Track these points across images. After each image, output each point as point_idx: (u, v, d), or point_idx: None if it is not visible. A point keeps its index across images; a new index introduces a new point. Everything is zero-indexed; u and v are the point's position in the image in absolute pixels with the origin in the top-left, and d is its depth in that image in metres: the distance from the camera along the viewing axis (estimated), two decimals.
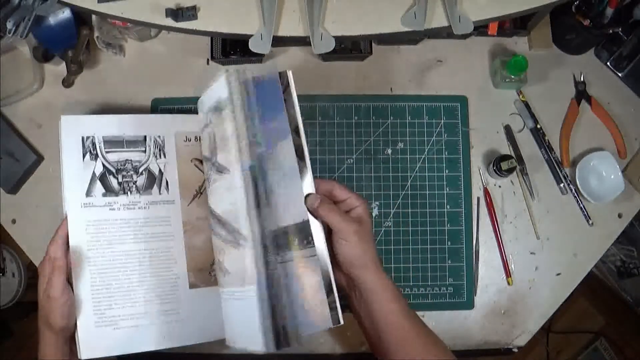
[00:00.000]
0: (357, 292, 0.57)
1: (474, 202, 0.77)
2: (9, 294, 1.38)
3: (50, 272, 0.57)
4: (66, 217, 0.61)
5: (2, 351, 1.48)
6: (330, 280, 0.54)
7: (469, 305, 0.76)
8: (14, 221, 0.78)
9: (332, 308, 0.54)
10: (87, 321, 0.59)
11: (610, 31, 0.77)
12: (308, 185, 0.56)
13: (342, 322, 0.54)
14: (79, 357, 0.58)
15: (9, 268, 1.38)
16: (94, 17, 0.75)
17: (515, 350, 0.75)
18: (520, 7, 0.66)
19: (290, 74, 0.58)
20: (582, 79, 0.80)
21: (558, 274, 0.76)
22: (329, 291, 0.54)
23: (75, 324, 0.59)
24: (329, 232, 0.56)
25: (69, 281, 0.59)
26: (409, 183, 0.77)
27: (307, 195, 0.56)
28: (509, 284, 0.76)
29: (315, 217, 0.56)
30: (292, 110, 0.58)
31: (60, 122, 0.63)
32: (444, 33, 0.71)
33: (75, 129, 0.64)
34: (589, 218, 0.77)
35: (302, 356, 0.73)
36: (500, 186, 0.78)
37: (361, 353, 0.74)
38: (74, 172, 0.63)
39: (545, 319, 0.76)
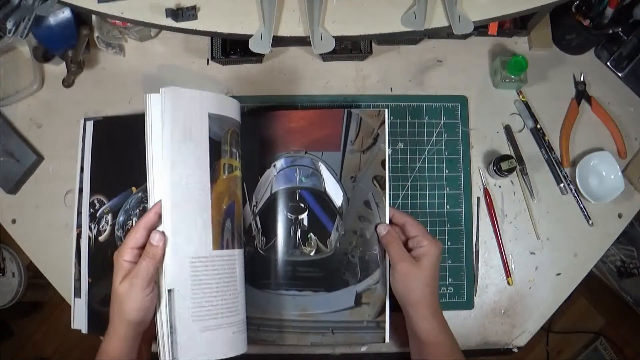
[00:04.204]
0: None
1: (474, 202, 0.77)
2: (9, 294, 1.38)
3: (136, 258, 0.53)
4: (157, 203, 0.55)
5: (2, 351, 1.48)
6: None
7: (469, 305, 0.76)
8: (14, 221, 0.78)
9: (381, 327, 0.65)
10: (184, 321, 0.54)
11: (610, 31, 0.77)
12: (383, 214, 0.65)
13: (387, 341, 0.64)
14: (170, 358, 0.54)
15: (9, 268, 1.39)
16: (94, 17, 0.75)
17: (515, 350, 0.75)
18: (520, 7, 0.67)
19: (386, 112, 0.67)
20: (582, 79, 0.80)
21: (558, 274, 0.76)
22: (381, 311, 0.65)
23: (152, 322, 0.55)
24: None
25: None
26: (409, 183, 0.77)
27: (378, 224, 0.64)
28: (509, 284, 0.76)
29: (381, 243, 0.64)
30: (383, 145, 0.66)
31: (176, 93, 0.57)
32: (444, 33, 0.71)
33: (199, 104, 0.58)
34: (589, 218, 0.77)
35: (303, 356, 0.73)
36: (500, 186, 0.78)
37: (361, 353, 0.74)
38: (198, 149, 0.57)
39: (545, 319, 0.76)
